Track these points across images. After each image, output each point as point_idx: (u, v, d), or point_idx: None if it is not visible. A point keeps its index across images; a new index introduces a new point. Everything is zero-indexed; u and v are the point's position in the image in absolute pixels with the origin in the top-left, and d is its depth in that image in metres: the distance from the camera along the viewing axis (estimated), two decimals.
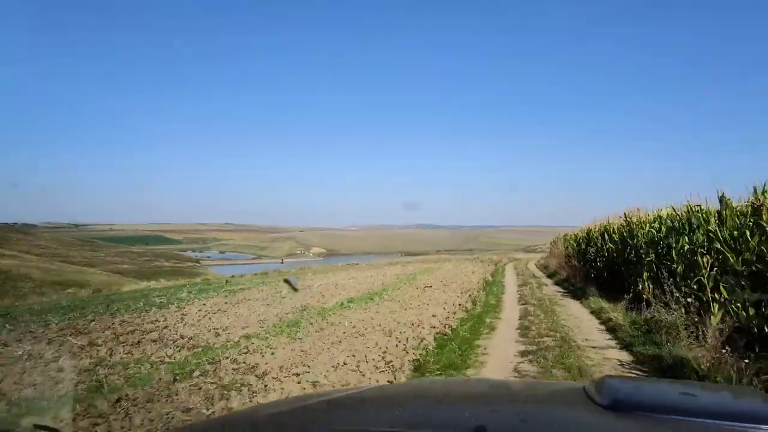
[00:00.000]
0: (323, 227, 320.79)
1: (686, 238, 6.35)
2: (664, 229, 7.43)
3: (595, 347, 5.84)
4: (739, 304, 4.60)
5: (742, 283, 4.73)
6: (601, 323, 7.41)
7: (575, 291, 11.54)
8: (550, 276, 17.28)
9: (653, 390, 1.31)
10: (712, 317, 4.79)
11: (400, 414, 1.14)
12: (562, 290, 12.68)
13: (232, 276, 18.60)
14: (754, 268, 4.68)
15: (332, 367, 4.67)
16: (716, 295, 5.04)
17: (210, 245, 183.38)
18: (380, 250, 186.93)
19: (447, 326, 6.75)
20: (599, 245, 11.91)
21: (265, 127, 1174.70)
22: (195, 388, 4.06)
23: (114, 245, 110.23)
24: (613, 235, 10.60)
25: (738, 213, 5.41)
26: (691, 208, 6.66)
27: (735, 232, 5.11)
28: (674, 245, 6.54)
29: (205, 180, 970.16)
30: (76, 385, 4.09)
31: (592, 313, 8.37)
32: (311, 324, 6.91)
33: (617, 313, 7.31)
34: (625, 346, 5.74)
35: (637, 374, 4.65)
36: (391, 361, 4.82)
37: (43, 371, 4.47)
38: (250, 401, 3.73)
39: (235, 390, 4.03)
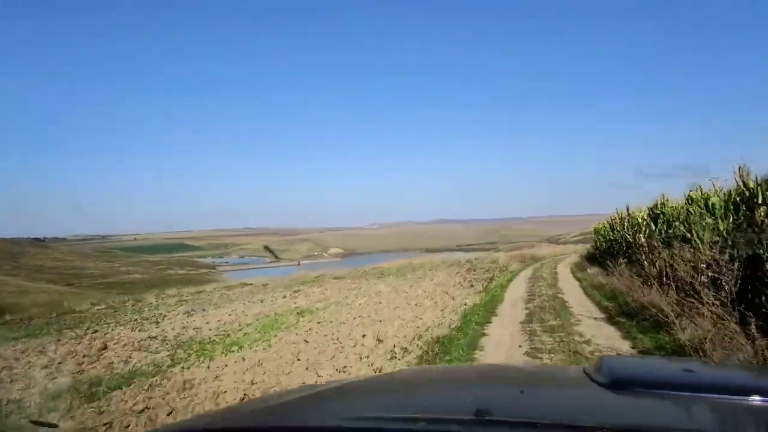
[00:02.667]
0: (343, 227, 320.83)
1: None
2: None
3: None
4: None
5: None
6: None
7: None
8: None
9: (652, 367, 1.38)
10: None
11: (402, 400, 1.19)
12: None
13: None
14: None
15: None
16: None
17: (230, 251, 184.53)
18: (400, 247, 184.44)
19: None
20: None
21: (284, 130, 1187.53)
22: None
23: (135, 255, 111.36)
24: None
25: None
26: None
27: None
28: None
29: (227, 187, 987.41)
30: None
31: None
32: None
33: None
34: None
35: None
36: None
37: None
38: None
39: None
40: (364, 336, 6.22)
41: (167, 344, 7.15)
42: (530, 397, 1.05)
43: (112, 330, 8.76)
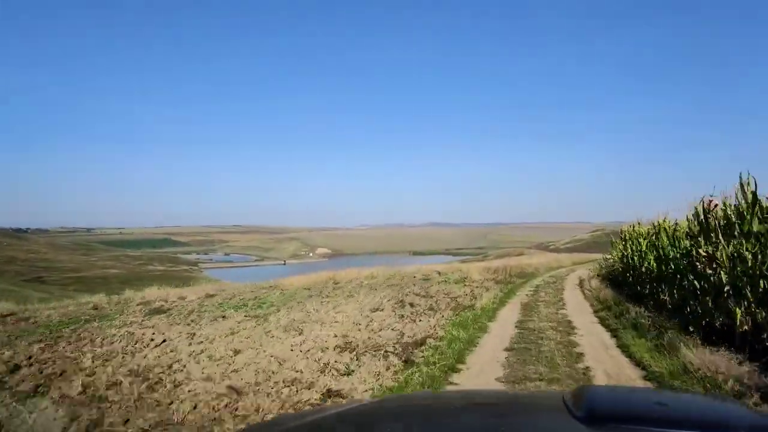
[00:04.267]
0: (333, 227, 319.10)
1: None
2: None
3: None
4: None
5: None
6: None
7: None
8: None
9: (628, 399, 1.35)
10: None
11: (372, 430, 1.15)
12: None
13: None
14: None
15: None
16: None
17: (216, 247, 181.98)
18: (389, 249, 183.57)
19: None
20: None
21: (279, 129, 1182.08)
22: None
23: (116, 249, 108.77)
24: None
25: None
26: None
27: None
28: None
29: (217, 183, 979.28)
30: None
31: None
32: None
33: None
34: None
35: None
36: None
37: None
38: None
39: None
40: None
41: None
42: (507, 429, 1.05)
43: None
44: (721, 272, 5.29)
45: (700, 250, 5.70)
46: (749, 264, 4.86)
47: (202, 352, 5.63)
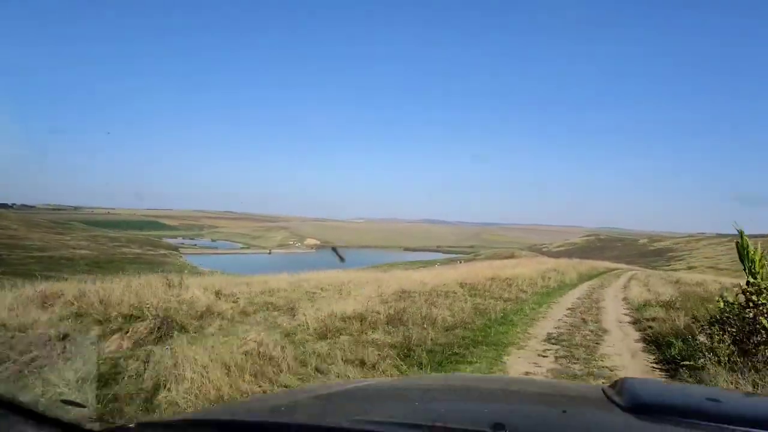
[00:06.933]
0: (325, 218, 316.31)
1: None
2: None
3: None
4: None
5: None
6: None
7: None
8: None
9: (676, 393, 1.31)
10: None
11: (418, 407, 1.14)
12: None
13: None
14: None
15: None
16: None
17: (204, 233, 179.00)
18: (380, 244, 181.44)
19: None
20: None
21: (277, 120, 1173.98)
22: None
23: (95, 229, 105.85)
24: None
25: None
26: None
27: None
28: None
29: (217, 170, 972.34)
30: None
31: None
32: None
33: None
34: None
35: None
36: None
37: None
38: None
39: None
40: None
41: None
42: (549, 415, 1.03)
43: None
44: None
45: None
46: None
47: None
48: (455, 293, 9.49)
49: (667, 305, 8.84)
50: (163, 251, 78.24)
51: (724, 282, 16.68)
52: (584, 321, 7.99)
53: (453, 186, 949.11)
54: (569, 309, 9.38)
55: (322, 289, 9.28)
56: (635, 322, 7.98)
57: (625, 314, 9.08)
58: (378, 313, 6.45)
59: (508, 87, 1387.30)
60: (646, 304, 9.52)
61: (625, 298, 11.59)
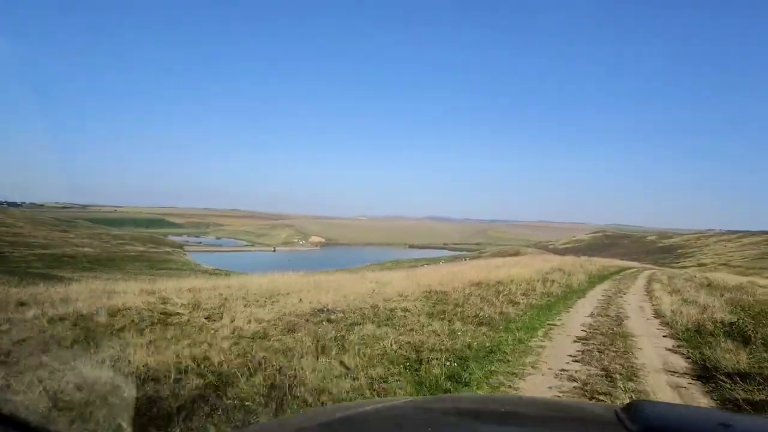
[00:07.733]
0: (331, 216, 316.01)
1: None
2: None
3: None
4: None
5: None
6: None
7: None
8: None
9: (689, 417, 1.26)
10: None
11: (423, 429, 1.12)
12: None
13: None
14: None
15: None
16: None
17: (209, 230, 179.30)
18: (385, 241, 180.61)
19: None
20: None
21: (284, 119, 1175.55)
22: None
23: (100, 227, 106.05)
24: None
25: None
26: None
27: None
28: None
29: (225, 169, 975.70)
30: None
31: None
32: None
33: None
34: None
35: None
36: None
37: None
38: None
39: None
40: None
41: None
42: None
43: None
44: None
45: None
46: None
47: None
48: (408, 312, 6.65)
49: (736, 332, 5.99)
50: (167, 249, 78.17)
51: (761, 283, 15.28)
52: (607, 374, 4.50)
53: (458, 183, 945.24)
54: (578, 340, 6.05)
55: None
56: (700, 376, 4.57)
57: (672, 349, 5.71)
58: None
59: (516, 85, 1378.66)
60: (700, 329, 6.51)
61: (656, 314, 8.48)
